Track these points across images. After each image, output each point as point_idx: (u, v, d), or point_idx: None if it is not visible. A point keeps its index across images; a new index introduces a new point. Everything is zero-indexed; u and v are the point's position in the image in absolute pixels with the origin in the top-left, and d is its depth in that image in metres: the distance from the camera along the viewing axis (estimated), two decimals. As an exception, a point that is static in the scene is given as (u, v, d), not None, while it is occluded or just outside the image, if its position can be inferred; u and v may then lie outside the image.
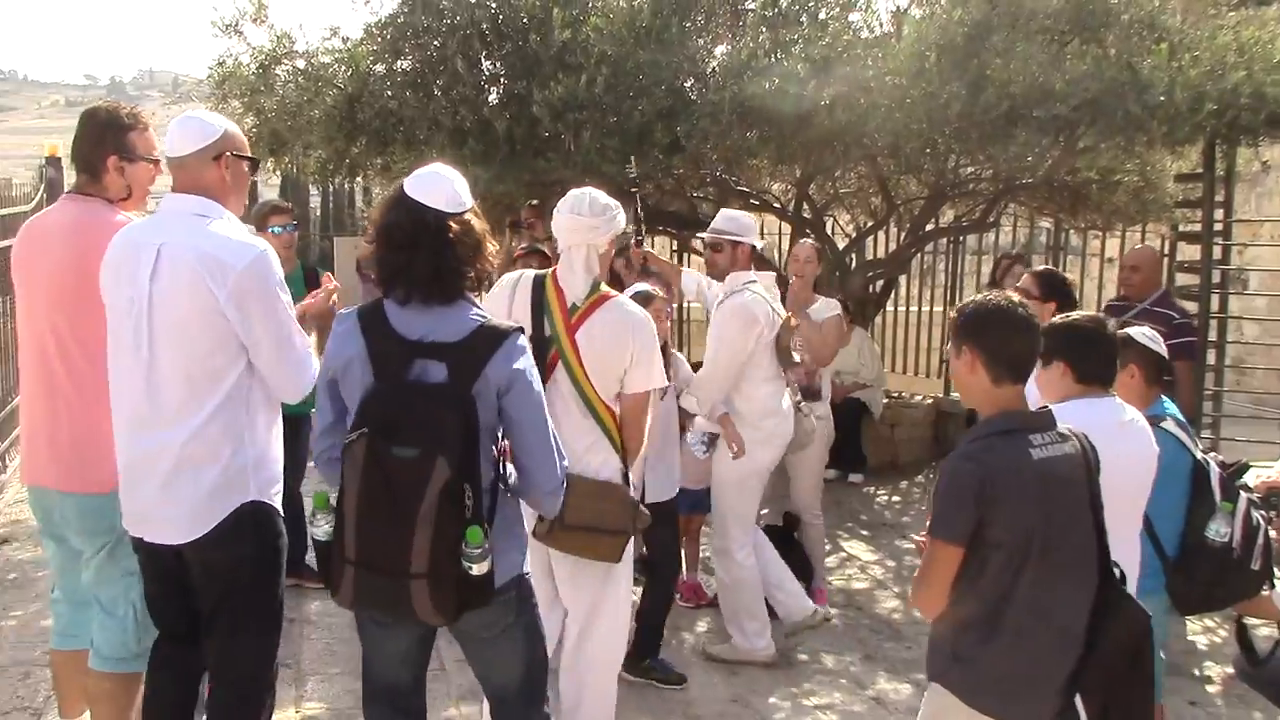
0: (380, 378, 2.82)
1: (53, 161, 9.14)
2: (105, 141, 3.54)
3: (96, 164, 3.54)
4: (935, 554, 2.80)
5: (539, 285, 3.89)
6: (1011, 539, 2.75)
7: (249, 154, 3.36)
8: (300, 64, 7.96)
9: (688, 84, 7.25)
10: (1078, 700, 2.82)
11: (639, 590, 5.26)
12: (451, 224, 2.88)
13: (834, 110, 6.72)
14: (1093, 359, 3.34)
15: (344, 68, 7.73)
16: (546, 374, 3.74)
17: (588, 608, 3.99)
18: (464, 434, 2.72)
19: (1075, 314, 3.53)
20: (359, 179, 9.92)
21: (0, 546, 6.48)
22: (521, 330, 2.93)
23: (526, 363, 2.89)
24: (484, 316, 2.92)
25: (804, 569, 5.97)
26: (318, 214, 21.61)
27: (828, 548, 6.62)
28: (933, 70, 6.62)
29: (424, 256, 2.85)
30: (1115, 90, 6.29)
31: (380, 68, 7.67)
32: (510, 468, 2.97)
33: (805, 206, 9.07)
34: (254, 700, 3.34)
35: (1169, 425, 3.74)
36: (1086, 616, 2.84)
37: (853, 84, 6.68)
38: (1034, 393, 3.24)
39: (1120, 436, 3.23)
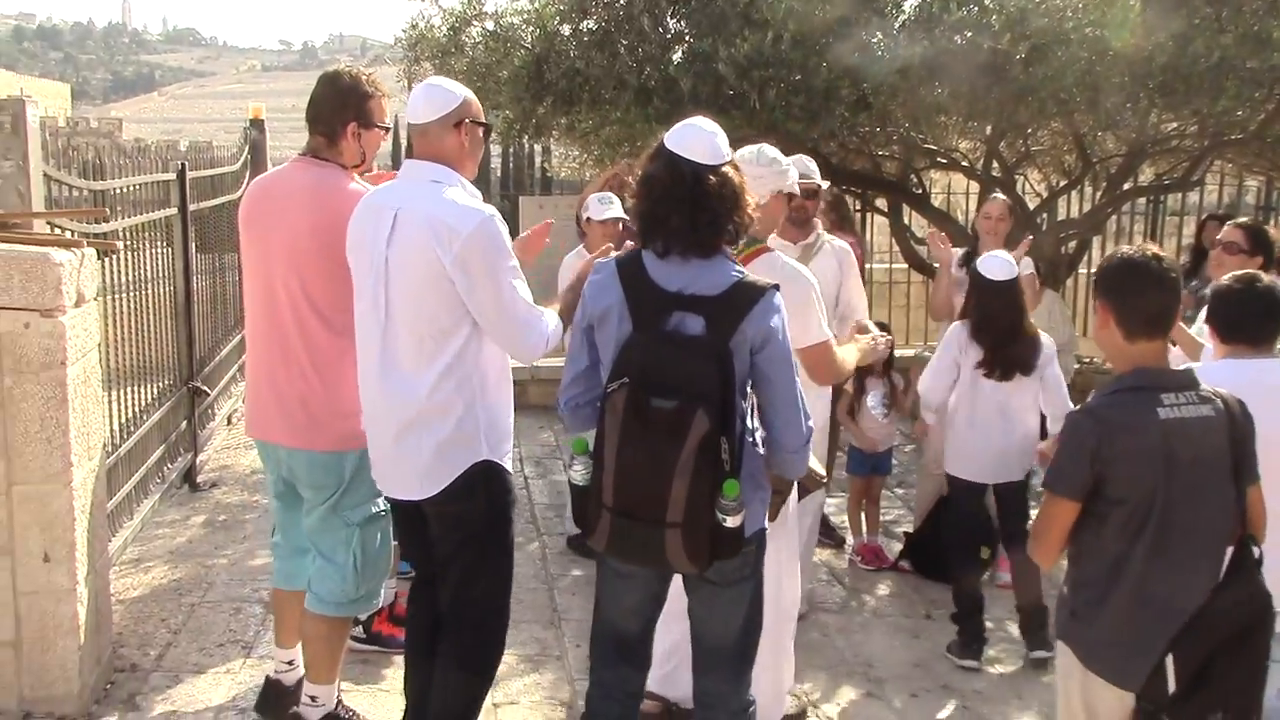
0: (639, 328, 2.87)
1: (256, 124, 9.57)
2: (348, 107, 3.61)
3: (337, 128, 3.61)
4: (1050, 507, 2.80)
5: None
6: (1131, 498, 2.70)
7: (485, 121, 3.42)
8: (489, 25, 8.12)
9: (875, 39, 7.11)
10: (1168, 662, 2.70)
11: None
12: (709, 176, 2.89)
13: (1029, 64, 6.50)
14: (1234, 317, 3.23)
15: (532, 28, 7.85)
16: None
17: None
18: (722, 387, 2.76)
19: (1229, 274, 3.36)
20: (543, 139, 10.06)
21: (210, 490, 6.85)
22: (777, 287, 2.93)
23: (781, 320, 2.90)
24: (742, 271, 2.93)
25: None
26: (498, 174, 22.01)
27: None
28: (1137, 20, 6.33)
29: (682, 209, 2.88)
30: (1338, 38, 5.92)
31: (567, 28, 7.76)
32: (757, 422, 2.98)
33: (995, 164, 8.81)
34: (486, 646, 3.46)
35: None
36: (1209, 586, 2.73)
37: (1050, 36, 6.44)
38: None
39: (1270, 399, 3.04)
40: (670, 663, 4.00)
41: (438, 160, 3.29)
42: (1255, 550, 2.79)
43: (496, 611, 3.49)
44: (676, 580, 3.34)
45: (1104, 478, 2.71)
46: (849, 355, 3.95)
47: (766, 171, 3.86)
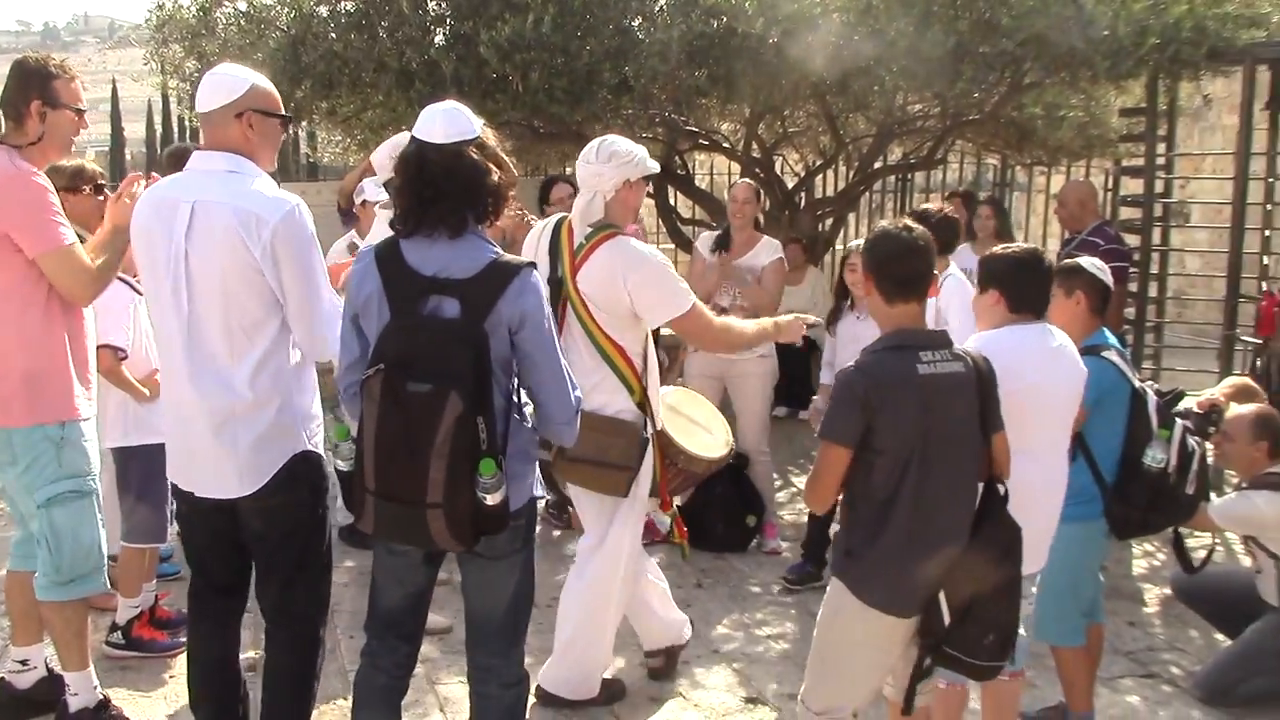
0: (396, 314, 2.89)
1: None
2: (30, 87, 3.58)
3: (21, 109, 3.59)
4: (825, 455, 3.03)
5: (557, 229, 4.13)
6: (895, 445, 2.96)
7: (279, 111, 3.31)
8: (241, 5, 7.85)
9: (635, 23, 7.22)
10: (941, 597, 3.01)
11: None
12: (441, 156, 2.91)
13: (781, 48, 6.72)
14: (1026, 288, 3.47)
15: (287, 9, 7.62)
16: (560, 314, 3.99)
17: (595, 540, 4.17)
18: (476, 369, 2.79)
19: (1014, 245, 3.67)
20: (305, 124, 9.79)
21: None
22: (533, 265, 2.97)
23: (538, 298, 2.94)
24: (498, 252, 2.97)
25: (754, 504, 6.08)
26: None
27: (777, 483, 6.74)
28: (879, 7, 6.63)
29: (423, 189, 2.91)
30: (1060, 25, 6.33)
31: (324, 9, 7.56)
32: (525, 398, 3.04)
33: (754, 146, 9.08)
34: (312, 639, 3.43)
35: (1110, 355, 3.84)
36: (967, 522, 3.05)
37: (799, 21, 6.67)
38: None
39: (1049, 361, 3.40)
40: (640, 624, 4.47)
41: (226, 150, 3.20)
42: (1001, 489, 3.10)
43: (312, 619, 3.44)
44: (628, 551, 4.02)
45: (872, 427, 2.95)
46: (741, 328, 4.21)
47: (606, 167, 3.98)
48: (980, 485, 3.09)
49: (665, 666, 4.56)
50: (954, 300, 4.69)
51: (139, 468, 4.33)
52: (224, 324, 3.16)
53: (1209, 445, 4.52)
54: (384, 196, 5.28)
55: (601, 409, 3.97)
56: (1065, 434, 3.55)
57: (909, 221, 3.18)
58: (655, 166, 4.09)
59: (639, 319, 4.02)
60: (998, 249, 3.59)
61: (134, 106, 64.57)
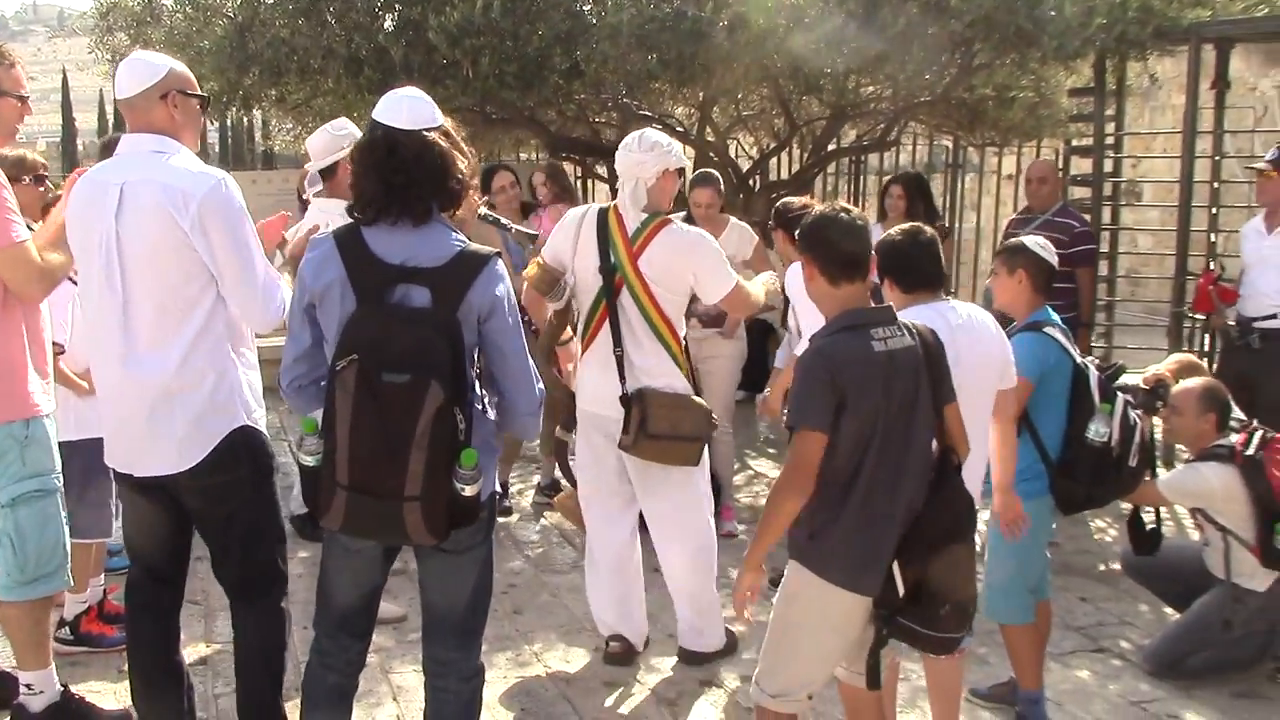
0: (364, 302, 2.84)
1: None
2: None
3: None
4: (802, 443, 2.97)
5: (603, 218, 4.29)
6: (859, 424, 2.95)
7: (198, 92, 3.36)
8: (187, -8, 7.75)
9: (586, 7, 7.20)
10: (895, 568, 3.01)
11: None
12: (410, 142, 2.89)
13: (733, 31, 6.72)
14: (911, 269, 3.51)
15: (233, -4, 7.54)
16: (613, 299, 4.23)
17: (670, 510, 4.43)
18: (453, 358, 2.76)
19: (895, 229, 3.63)
20: (256, 111, 9.69)
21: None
22: (499, 255, 2.96)
23: (505, 288, 2.92)
24: (464, 241, 2.94)
25: (713, 486, 6.07)
26: (216, 149, 21.11)
27: (735, 466, 6.75)
28: (829, -12, 6.64)
29: (386, 176, 2.87)
30: (1007, 6, 6.37)
31: (271, -5, 7.49)
32: (484, 389, 3.02)
33: (708, 129, 9.07)
34: (275, 611, 3.45)
35: (1051, 331, 3.86)
36: (920, 500, 3.05)
37: (751, 4, 6.67)
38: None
39: (951, 337, 3.34)
40: (621, 608, 4.56)
41: (152, 132, 3.24)
42: (954, 459, 3.11)
43: (271, 591, 3.45)
44: (621, 534, 4.40)
45: (842, 407, 2.93)
46: (756, 290, 4.49)
47: (649, 156, 4.22)
48: (933, 459, 3.09)
49: (624, 653, 4.57)
50: None
51: (81, 463, 4.27)
52: (157, 302, 3.17)
53: (1157, 421, 4.58)
54: (319, 185, 5.24)
55: (668, 388, 4.25)
56: (982, 407, 3.54)
57: (843, 204, 3.18)
58: (687, 161, 4.40)
59: (685, 299, 4.32)
60: (880, 238, 3.56)
61: (86, 96, 63.77)
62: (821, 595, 3.06)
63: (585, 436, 4.53)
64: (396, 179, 2.87)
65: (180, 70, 3.30)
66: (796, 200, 5.23)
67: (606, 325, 4.28)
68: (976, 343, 3.49)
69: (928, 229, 3.57)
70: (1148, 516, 4.59)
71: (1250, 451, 4.33)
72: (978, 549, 3.29)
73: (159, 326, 3.18)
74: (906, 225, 3.60)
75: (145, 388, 3.20)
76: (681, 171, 4.39)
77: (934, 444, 3.10)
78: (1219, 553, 4.46)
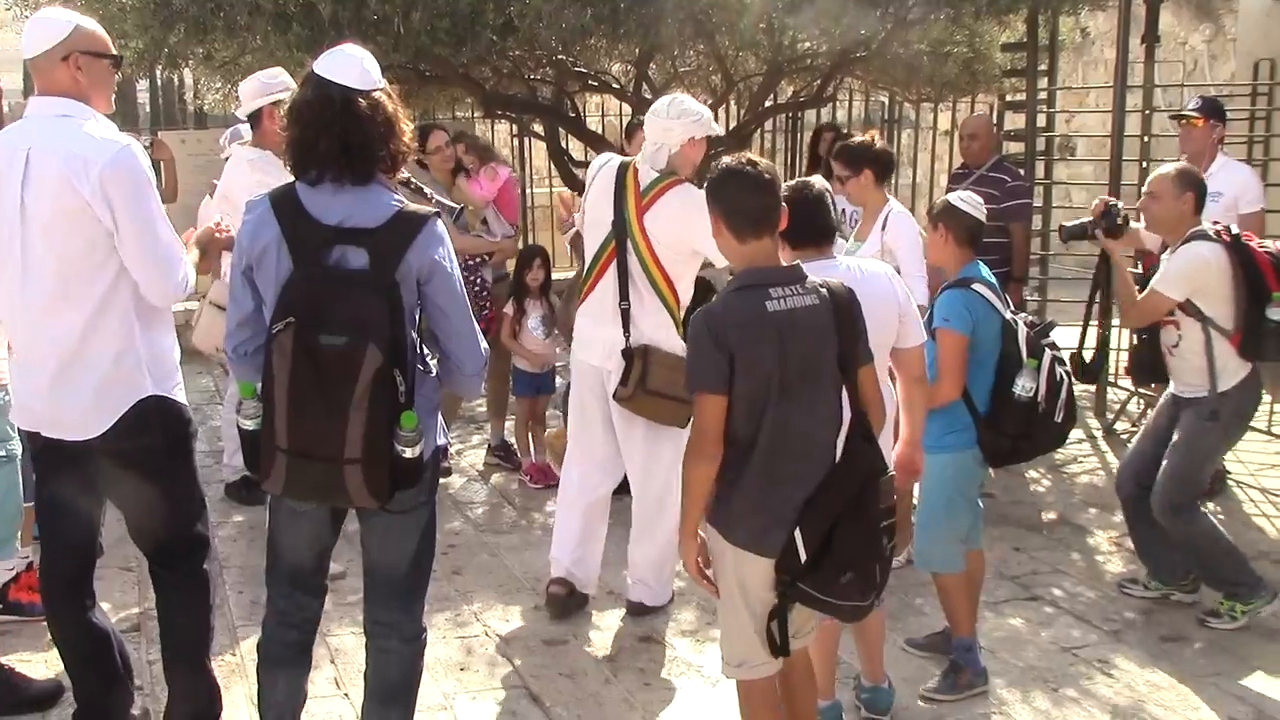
0: (300, 264, 2.79)
1: None
2: None
3: None
4: (701, 408, 2.93)
5: (622, 172, 4.35)
6: (751, 386, 2.89)
7: (109, 52, 3.24)
8: (107, -53, 7.52)
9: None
10: (797, 533, 2.92)
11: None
12: (359, 100, 2.84)
13: (667, -15, 6.66)
14: (795, 224, 3.31)
15: (154, -51, 7.31)
16: (624, 254, 4.29)
17: (649, 463, 4.46)
18: (392, 321, 2.73)
19: (787, 184, 3.46)
20: (185, 69, 9.46)
21: None
22: (439, 215, 2.92)
23: (446, 248, 2.89)
24: (401, 201, 2.89)
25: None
26: (147, 109, 20.65)
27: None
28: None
29: (331, 133, 2.81)
30: (940, -40, 6.37)
31: (194, -52, 7.27)
32: (426, 349, 2.99)
33: (645, 86, 9.01)
34: (197, 574, 3.45)
35: (979, 287, 3.88)
36: (829, 458, 2.98)
37: (686, -42, 6.62)
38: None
39: None
40: (580, 549, 4.56)
41: (58, 95, 3.15)
42: (865, 424, 3.01)
43: (204, 540, 3.46)
44: (598, 482, 4.48)
45: (732, 369, 2.87)
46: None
47: (676, 123, 4.22)
48: (843, 423, 3.00)
49: (565, 596, 4.57)
50: (901, 239, 4.80)
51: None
52: (59, 270, 3.12)
53: (1139, 222, 4.72)
54: (246, 134, 5.15)
55: (663, 344, 4.31)
56: (883, 356, 3.41)
57: (750, 155, 3.07)
58: (719, 129, 4.34)
59: (692, 260, 4.33)
60: None
61: (10, 56, 62.15)
62: (733, 558, 3.02)
63: (577, 386, 4.59)
64: (354, 138, 2.82)
65: (87, 29, 3.20)
66: (864, 137, 5.13)
67: (606, 276, 4.35)
68: (870, 293, 3.30)
69: (817, 182, 3.48)
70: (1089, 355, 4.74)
71: (1233, 235, 4.36)
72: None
73: (62, 296, 3.14)
74: (794, 182, 3.50)
75: (50, 355, 3.16)
76: (709, 140, 4.38)
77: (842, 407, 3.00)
78: (1199, 348, 4.37)
